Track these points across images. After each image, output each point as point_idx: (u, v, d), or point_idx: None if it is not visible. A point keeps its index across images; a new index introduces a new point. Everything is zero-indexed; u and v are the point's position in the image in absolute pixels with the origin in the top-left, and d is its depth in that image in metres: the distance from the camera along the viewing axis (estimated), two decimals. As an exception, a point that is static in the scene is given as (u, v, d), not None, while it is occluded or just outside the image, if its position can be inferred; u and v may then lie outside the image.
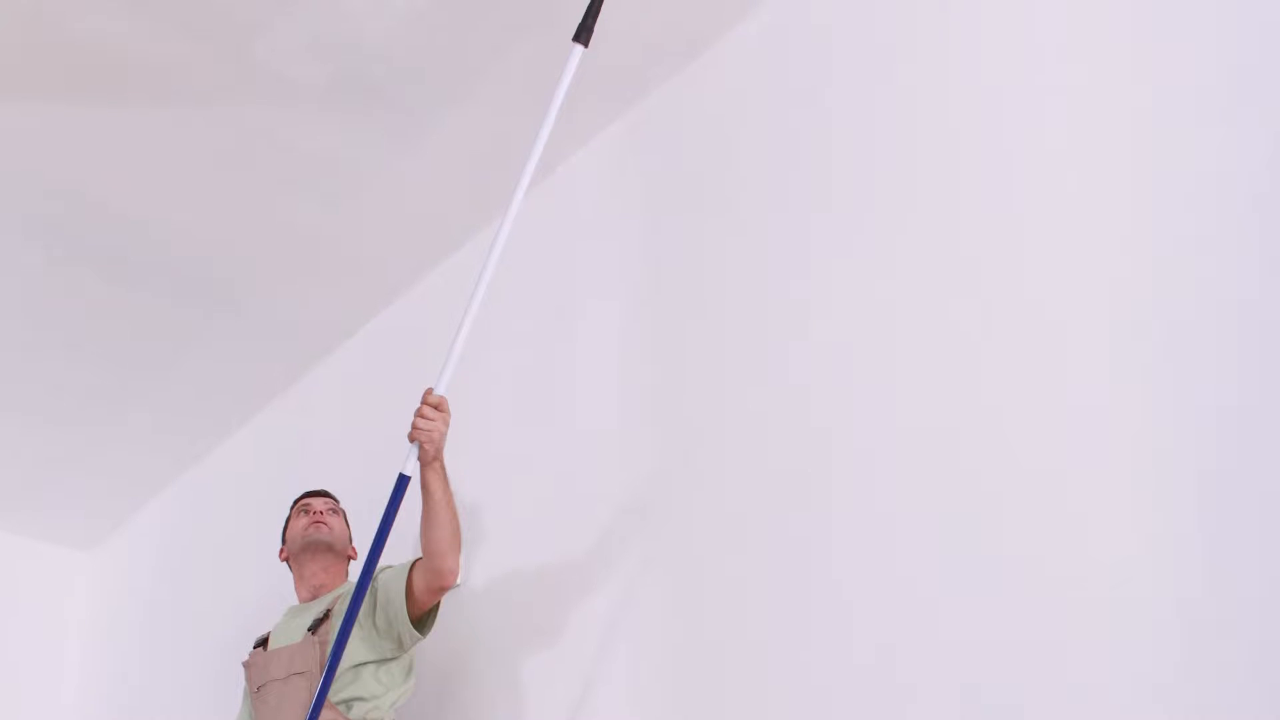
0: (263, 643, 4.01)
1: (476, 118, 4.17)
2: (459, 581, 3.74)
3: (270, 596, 4.41)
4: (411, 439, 3.34)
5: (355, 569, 4.10)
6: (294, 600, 4.12)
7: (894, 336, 3.19)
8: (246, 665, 3.96)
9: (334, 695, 3.61)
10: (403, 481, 3.26)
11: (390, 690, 3.73)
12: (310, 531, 4.09)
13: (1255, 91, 2.67)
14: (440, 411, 3.34)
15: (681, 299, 3.80)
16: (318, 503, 4.18)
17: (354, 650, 3.63)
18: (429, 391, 3.33)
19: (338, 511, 4.20)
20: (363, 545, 3.68)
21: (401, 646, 3.74)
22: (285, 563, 4.18)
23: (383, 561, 3.32)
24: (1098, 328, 2.79)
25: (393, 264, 4.81)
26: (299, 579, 4.11)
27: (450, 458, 3.47)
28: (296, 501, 4.24)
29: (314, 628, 3.83)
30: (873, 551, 3.08)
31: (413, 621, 3.67)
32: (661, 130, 4.07)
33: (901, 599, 2.99)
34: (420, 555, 3.63)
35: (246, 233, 4.66)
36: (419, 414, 3.33)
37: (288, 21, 3.83)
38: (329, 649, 3.54)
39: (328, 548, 4.09)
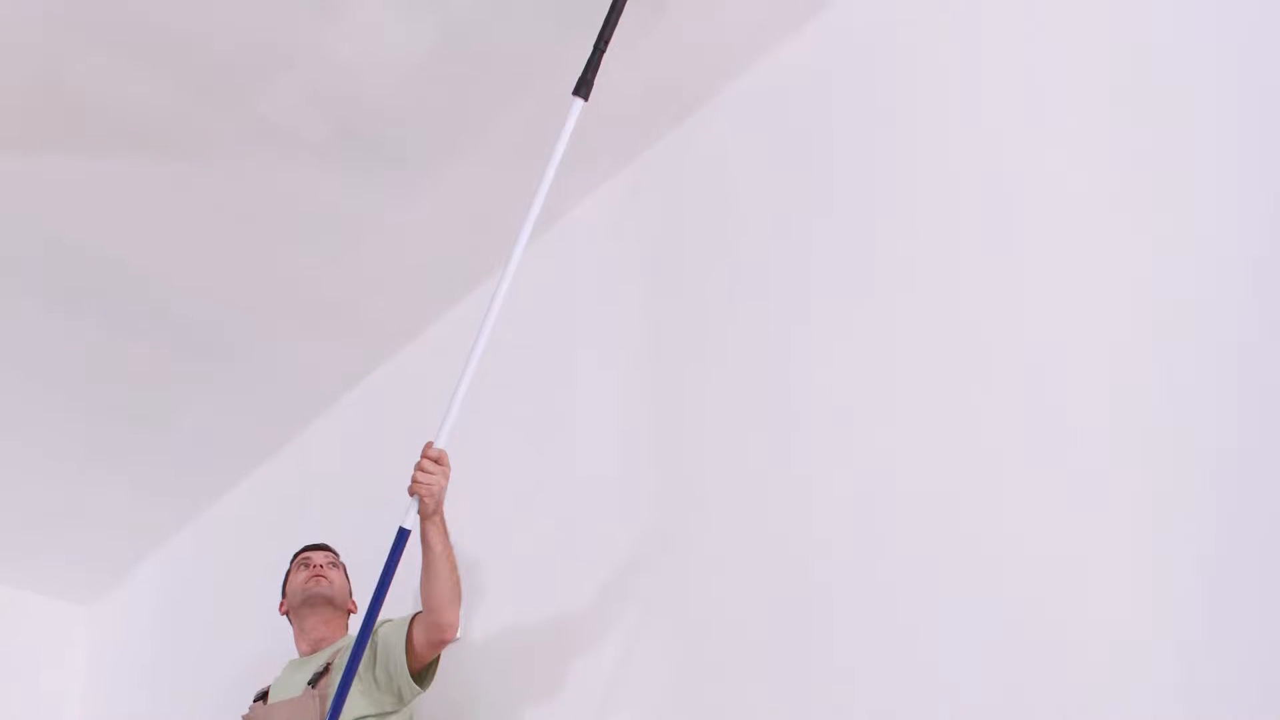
0: (263, 696, 3.99)
1: (477, 171, 4.18)
2: (459, 635, 3.73)
3: (270, 650, 4.40)
4: (411, 492, 3.33)
5: (355, 622, 4.09)
6: (294, 654, 4.10)
7: (895, 388, 3.19)
8: (246, 719, 3.95)
9: (334, 749, 3.59)
10: (403, 535, 3.25)
11: (390, 744, 3.72)
12: (310, 585, 4.08)
13: (1256, 142, 2.68)
14: (440, 465, 3.34)
15: (681, 351, 3.80)
16: (318, 556, 4.18)
17: (354, 704, 3.61)
18: (429, 445, 3.33)
19: (338, 565, 4.20)
20: (363, 599, 3.67)
21: (402, 700, 3.72)
22: (285, 616, 4.17)
23: (383, 615, 3.31)
24: (1098, 381, 2.79)
25: (393, 317, 4.82)
26: (299, 633, 4.10)
27: (450, 511, 3.47)
28: (296, 555, 4.24)
29: (314, 682, 3.81)
30: (873, 605, 3.07)
31: (413, 675, 3.65)
32: (662, 183, 4.08)
33: (901, 655, 2.98)
34: (420, 609, 3.62)
35: (247, 285, 4.67)
36: (419, 467, 3.33)
37: (289, 76, 3.85)
38: (329, 703, 3.52)
39: (328, 601, 4.08)
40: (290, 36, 3.74)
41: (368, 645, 3.60)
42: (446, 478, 3.36)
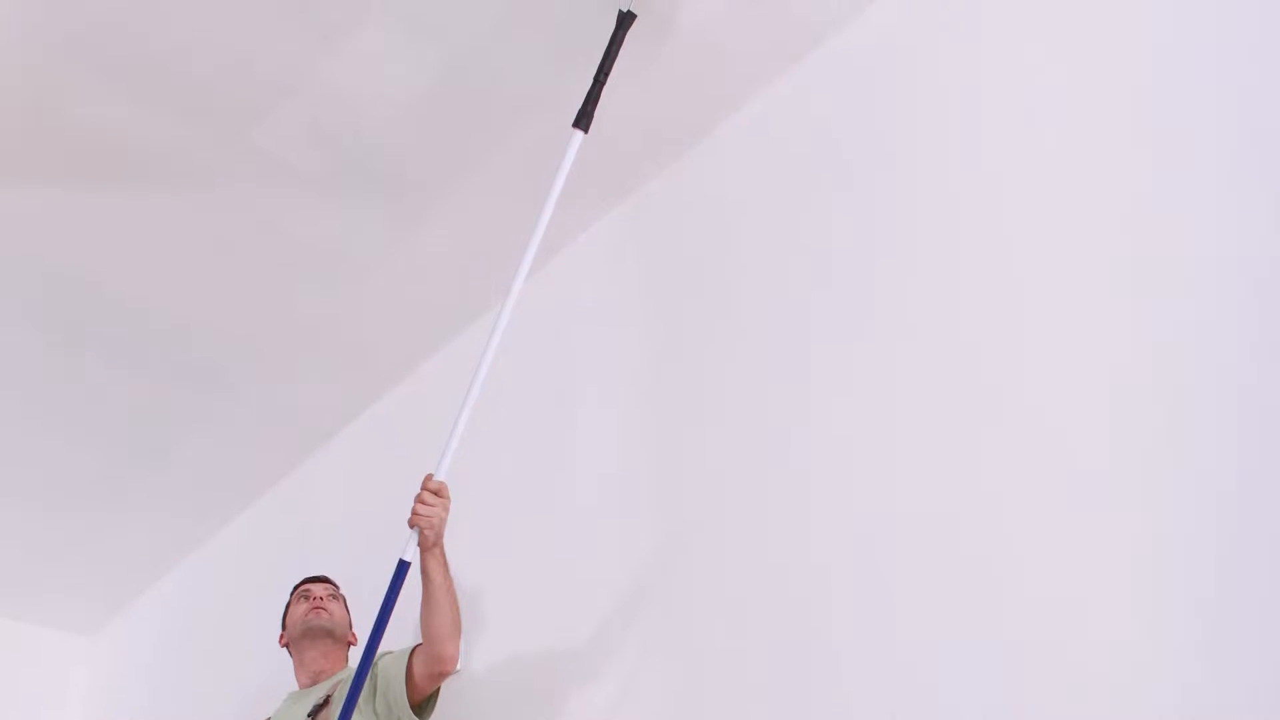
0: (263, 728, 4.00)
1: (476, 204, 4.19)
2: (459, 667, 3.73)
3: (270, 682, 4.39)
4: (411, 525, 3.33)
5: (355, 655, 4.09)
6: (294, 686, 4.10)
7: (894, 422, 3.19)
8: (247, 751, 3.95)
9: (334, 781, 3.59)
10: (403, 567, 3.25)
11: (390, 776, 3.71)
12: (310, 617, 4.08)
13: (1256, 167, 2.68)
14: (440, 497, 3.34)
15: (681, 383, 3.80)
16: (318, 588, 4.18)
17: (354, 736, 3.61)
18: (429, 477, 3.33)
19: (338, 597, 4.20)
20: (363, 631, 3.67)
21: (401, 732, 3.72)
22: (285, 648, 4.17)
23: (383, 647, 3.31)
24: (1098, 409, 2.79)
25: (393, 349, 4.82)
26: (299, 664, 4.10)
27: (450, 543, 3.47)
28: (296, 587, 4.24)
29: (314, 713, 3.81)
30: (873, 638, 3.06)
31: (413, 707, 3.65)
32: (662, 216, 4.08)
33: (902, 684, 2.97)
34: (420, 641, 3.62)
35: (246, 318, 4.67)
36: (419, 500, 3.33)
37: (288, 108, 3.86)
38: (329, 735, 3.53)
39: (327, 633, 4.07)
40: (290, 69, 3.75)
41: (368, 677, 3.60)
42: (446, 510, 3.36)
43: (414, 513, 3.33)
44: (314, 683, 4.02)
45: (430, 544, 3.40)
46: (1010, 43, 3.27)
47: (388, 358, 4.86)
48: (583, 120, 3.39)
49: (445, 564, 3.49)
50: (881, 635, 3.05)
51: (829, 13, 3.66)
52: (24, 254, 4.34)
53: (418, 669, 3.63)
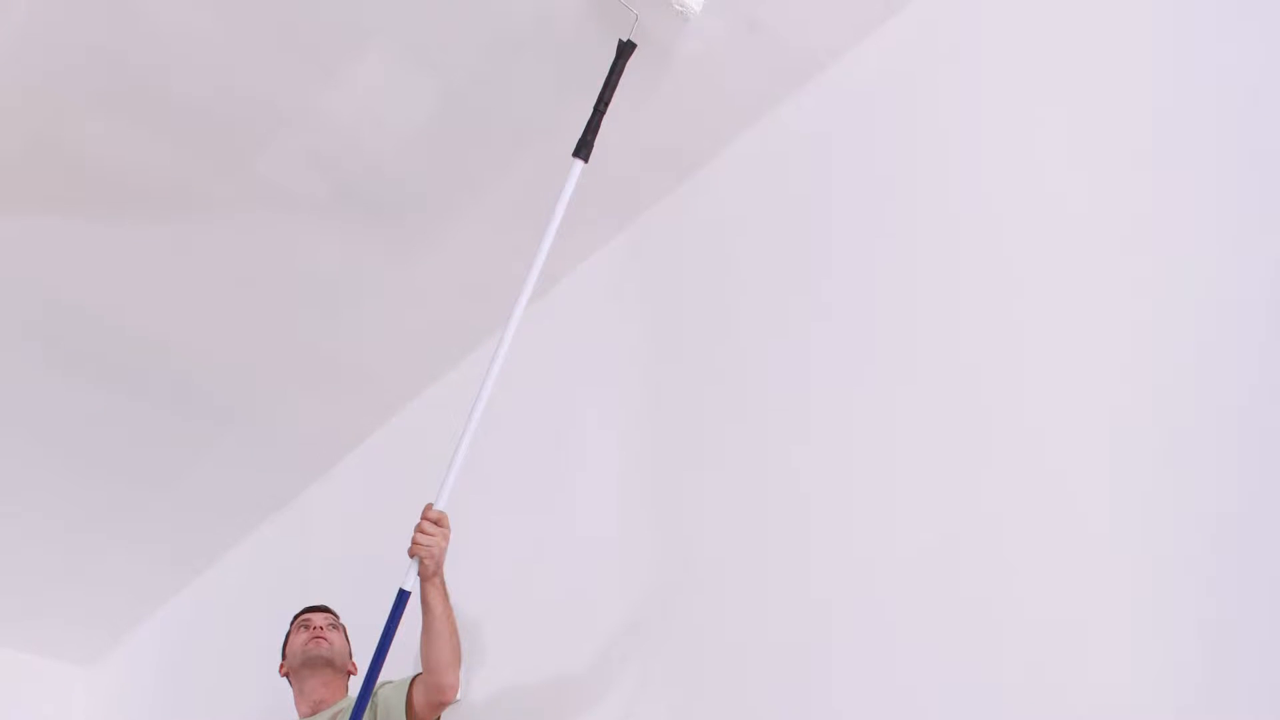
0: (262, 759, 3.99)
1: (477, 232, 4.19)
2: (459, 697, 3.72)
3: (270, 712, 4.39)
4: (411, 554, 3.33)
5: (355, 684, 4.08)
6: (294, 716, 4.09)
7: (895, 450, 3.19)
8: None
9: (334, 812, 3.58)
10: (403, 597, 3.24)
11: (390, 806, 3.70)
12: (310, 647, 4.07)
13: (1255, 208, 2.68)
14: (440, 526, 3.33)
15: (681, 413, 3.80)
16: (317, 618, 4.17)
17: (354, 765, 3.61)
18: (429, 506, 3.32)
19: (338, 627, 4.19)
20: (363, 660, 3.66)
21: (402, 762, 3.71)
22: (285, 678, 4.16)
23: (383, 676, 3.30)
24: (1098, 447, 2.79)
25: (393, 378, 4.82)
26: (299, 694, 4.09)
27: (450, 573, 3.46)
28: (296, 616, 4.23)
29: (314, 743, 3.81)
30: (873, 668, 3.06)
31: (413, 737, 3.65)
32: (662, 244, 4.09)
33: (902, 716, 2.97)
34: (421, 670, 3.62)
35: (247, 346, 4.68)
36: (419, 529, 3.32)
37: (288, 136, 3.86)
38: (329, 764, 3.52)
39: (327, 663, 4.07)
40: (291, 98, 3.76)
41: (368, 707, 3.59)
42: (446, 539, 3.36)
43: (414, 542, 3.33)
44: (314, 712, 4.01)
45: (430, 573, 3.39)
46: (1009, 72, 3.28)
47: (388, 386, 4.87)
48: (583, 149, 3.39)
49: (445, 593, 3.49)
50: (881, 669, 3.04)
51: (827, 41, 3.67)
52: (24, 282, 4.34)
53: (418, 698, 3.62)
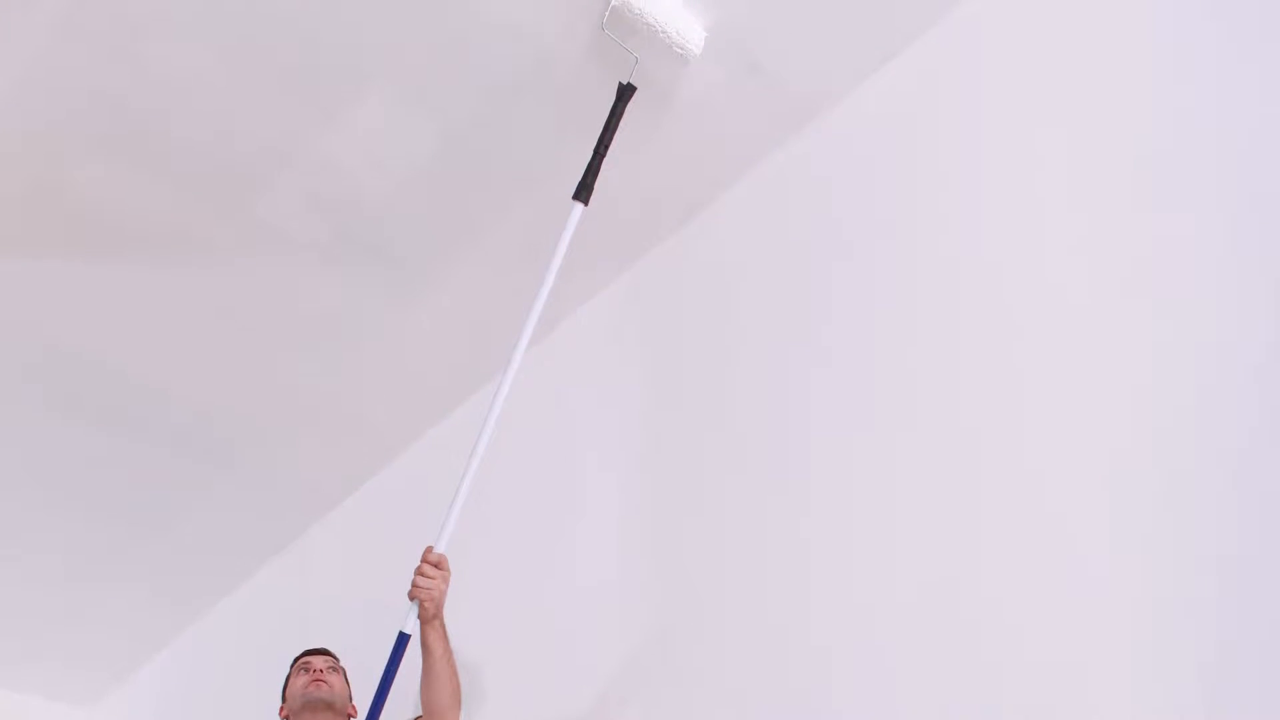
0: (261, 802, 3.97)
1: (477, 275, 4.20)
2: (459, 740, 3.71)
3: (270, 755, 4.38)
4: (411, 597, 3.32)
5: (355, 728, 4.07)
6: (294, 759, 4.08)
7: (895, 494, 3.19)
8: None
9: None
10: (403, 639, 3.24)
11: None
12: (310, 690, 4.06)
13: (1256, 250, 2.69)
14: (440, 569, 3.33)
15: (682, 455, 3.80)
16: (318, 660, 4.16)
17: (353, 810, 3.60)
18: (429, 549, 3.32)
19: (338, 669, 4.18)
20: (363, 703, 3.65)
21: (401, 807, 3.70)
22: (285, 720, 4.16)
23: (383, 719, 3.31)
24: (1098, 488, 2.79)
25: (393, 420, 4.83)
26: (299, 737, 4.08)
27: (451, 616, 3.45)
28: (296, 659, 4.22)
29: (313, 786, 3.80)
30: (873, 713, 3.05)
31: (413, 781, 3.64)
32: (662, 287, 4.10)
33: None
34: (420, 713, 3.61)
35: (247, 389, 4.68)
36: (419, 572, 3.32)
37: (288, 180, 3.87)
38: (328, 808, 3.50)
39: (327, 706, 4.05)
40: (291, 142, 3.77)
41: (367, 751, 3.59)
42: (447, 582, 3.35)
43: (414, 585, 3.32)
44: (314, 755, 4.00)
45: (430, 616, 3.38)
46: (1007, 115, 3.29)
47: (388, 429, 4.87)
48: (583, 192, 3.40)
49: (445, 636, 3.48)
50: (883, 708, 3.03)
51: (827, 86, 3.69)
52: (24, 325, 4.35)
53: (418, 742, 3.62)
